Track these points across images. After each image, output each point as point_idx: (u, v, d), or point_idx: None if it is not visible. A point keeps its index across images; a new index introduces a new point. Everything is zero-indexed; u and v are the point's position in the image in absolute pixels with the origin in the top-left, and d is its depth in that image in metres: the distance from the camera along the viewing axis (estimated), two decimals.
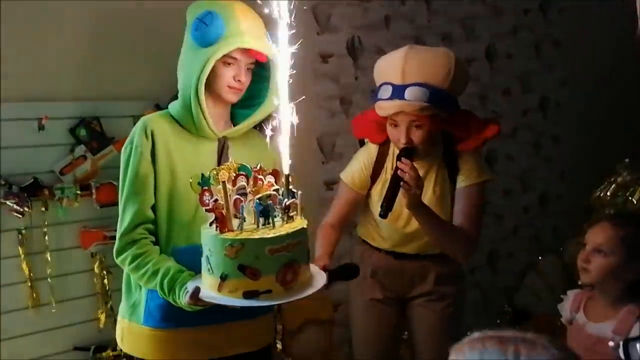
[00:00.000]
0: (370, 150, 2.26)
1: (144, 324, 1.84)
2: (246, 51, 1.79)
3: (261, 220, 1.56)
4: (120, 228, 1.79)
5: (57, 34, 2.51)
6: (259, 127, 2.30)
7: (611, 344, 1.22)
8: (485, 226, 3.95)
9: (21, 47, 2.43)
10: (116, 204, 1.85)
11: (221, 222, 1.54)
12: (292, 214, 1.61)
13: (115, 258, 1.80)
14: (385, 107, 2.04)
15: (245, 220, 1.55)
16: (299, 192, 1.64)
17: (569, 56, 4.37)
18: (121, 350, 2.02)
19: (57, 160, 2.51)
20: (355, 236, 2.42)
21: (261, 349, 1.99)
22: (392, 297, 2.34)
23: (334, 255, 2.12)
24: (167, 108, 1.94)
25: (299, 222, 1.61)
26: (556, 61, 4.37)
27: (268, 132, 1.70)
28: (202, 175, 1.62)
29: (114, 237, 1.83)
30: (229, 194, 1.57)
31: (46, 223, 2.48)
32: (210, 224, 1.55)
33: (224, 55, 1.76)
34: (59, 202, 2.48)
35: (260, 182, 1.66)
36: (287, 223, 1.59)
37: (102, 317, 2.60)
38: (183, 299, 1.62)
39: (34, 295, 2.47)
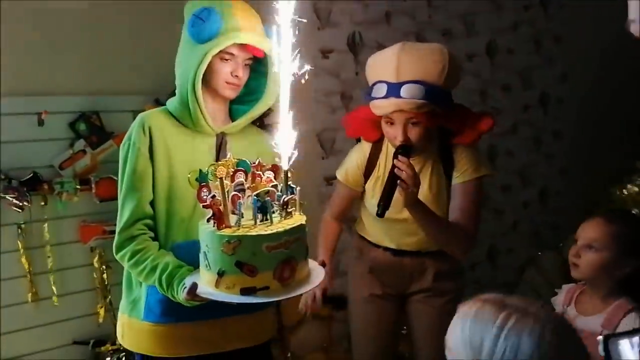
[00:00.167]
0: (363, 148, 2.26)
1: (144, 319, 1.84)
2: (243, 47, 1.79)
3: (259, 216, 1.55)
4: (119, 224, 1.79)
5: (57, 28, 2.51)
6: (260, 123, 2.31)
7: (599, 338, 1.22)
8: (485, 222, 3.97)
9: (21, 42, 2.43)
10: (115, 198, 1.85)
11: (219, 219, 1.53)
12: (290, 210, 1.60)
13: (114, 254, 1.81)
14: (381, 106, 2.03)
15: (243, 217, 1.54)
16: (298, 188, 1.63)
17: (569, 52, 4.36)
18: (120, 344, 2.02)
19: (57, 154, 2.52)
20: (354, 231, 2.42)
21: (261, 344, 1.99)
22: (391, 292, 2.34)
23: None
24: (166, 103, 1.94)
25: (298, 218, 1.60)
26: (557, 57, 4.36)
27: (274, 131, 1.68)
28: (200, 171, 1.61)
29: (113, 232, 1.83)
30: (226, 190, 1.56)
31: (46, 217, 2.50)
32: (208, 220, 1.54)
33: (221, 51, 1.76)
34: (59, 197, 2.49)
35: (259, 178, 1.65)
36: (285, 219, 1.58)
37: (102, 311, 2.61)
38: (181, 295, 1.63)
39: (34, 289, 2.48)
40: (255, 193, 1.56)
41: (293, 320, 2.58)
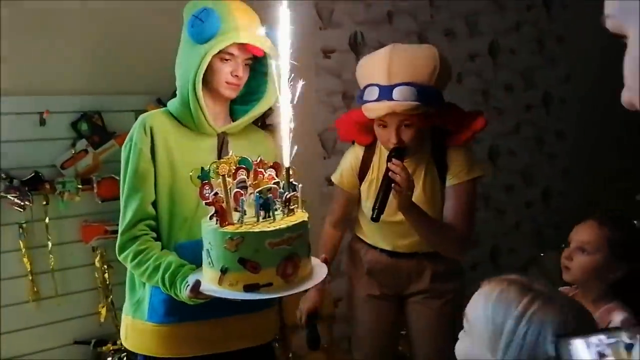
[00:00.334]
0: (356, 150, 2.27)
1: (148, 319, 1.84)
2: (243, 46, 1.79)
3: (261, 213, 1.54)
4: (122, 225, 1.79)
5: (59, 28, 2.50)
6: (262, 123, 2.30)
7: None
8: (487, 222, 3.99)
9: (23, 42, 2.43)
10: (117, 198, 1.85)
11: (221, 216, 1.53)
12: (292, 207, 1.59)
13: (117, 255, 1.80)
14: (374, 109, 2.02)
15: (245, 214, 1.54)
16: (300, 185, 1.63)
17: (572, 52, 4.36)
18: (121, 344, 2.02)
19: (59, 154, 2.51)
20: (351, 233, 2.42)
21: (264, 344, 1.99)
22: (388, 293, 2.33)
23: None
24: (167, 104, 1.94)
25: (300, 215, 1.59)
26: (559, 57, 4.36)
27: (275, 131, 1.68)
28: (202, 168, 1.61)
29: (115, 232, 1.83)
30: (229, 188, 1.56)
31: (47, 217, 2.49)
32: (211, 218, 1.54)
33: (221, 51, 1.76)
34: (60, 196, 2.48)
35: (261, 176, 1.65)
36: (287, 216, 1.57)
37: (103, 311, 2.60)
38: (184, 293, 1.62)
39: (35, 289, 2.47)
40: (257, 190, 1.55)
41: (294, 320, 2.56)
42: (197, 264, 1.68)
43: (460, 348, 1.30)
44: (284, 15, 1.57)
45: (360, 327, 2.40)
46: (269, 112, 1.98)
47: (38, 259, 2.48)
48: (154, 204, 1.80)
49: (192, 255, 1.70)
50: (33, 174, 2.43)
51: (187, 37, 1.81)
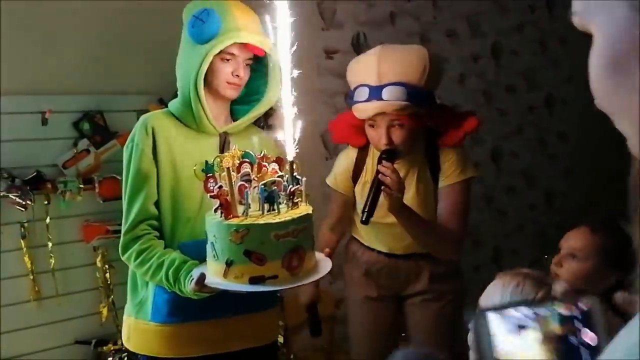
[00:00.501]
0: (349, 153, 2.27)
1: (151, 320, 1.83)
2: (243, 46, 1.79)
3: (266, 206, 1.54)
4: (125, 226, 1.79)
5: (60, 28, 2.51)
6: (264, 123, 2.30)
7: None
8: (489, 223, 3.97)
9: (25, 41, 2.43)
10: (119, 198, 1.85)
11: (226, 209, 1.52)
12: (296, 201, 1.59)
13: (120, 256, 1.80)
14: (364, 109, 2.02)
15: (250, 207, 1.53)
16: (304, 179, 1.62)
17: (574, 53, 4.34)
18: (122, 344, 2.01)
19: (60, 153, 2.51)
20: (349, 234, 2.41)
21: (267, 344, 1.97)
22: (386, 294, 2.32)
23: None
24: (168, 104, 1.93)
25: (304, 209, 1.59)
26: (562, 58, 4.35)
27: (277, 131, 1.68)
28: (206, 162, 1.62)
29: (116, 231, 1.83)
30: (233, 180, 1.55)
31: (49, 216, 2.48)
32: (215, 211, 1.53)
33: (222, 52, 1.76)
34: (62, 196, 2.47)
35: (265, 169, 1.64)
36: (292, 209, 1.57)
37: (104, 311, 2.59)
38: (188, 287, 1.61)
39: (36, 288, 2.46)
40: (262, 183, 1.55)
41: (296, 321, 2.55)
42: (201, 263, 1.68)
43: None
44: (285, 15, 1.57)
45: (358, 328, 2.39)
46: (271, 112, 1.98)
47: (39, 259, 2.48)
48: (157, 204, 1.80)
49: (196, 254, 1.70)
50: (35, 174, 2.43)
51: (187, 38, 1.81)
